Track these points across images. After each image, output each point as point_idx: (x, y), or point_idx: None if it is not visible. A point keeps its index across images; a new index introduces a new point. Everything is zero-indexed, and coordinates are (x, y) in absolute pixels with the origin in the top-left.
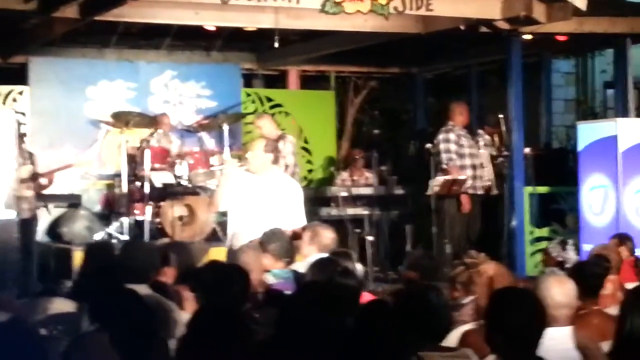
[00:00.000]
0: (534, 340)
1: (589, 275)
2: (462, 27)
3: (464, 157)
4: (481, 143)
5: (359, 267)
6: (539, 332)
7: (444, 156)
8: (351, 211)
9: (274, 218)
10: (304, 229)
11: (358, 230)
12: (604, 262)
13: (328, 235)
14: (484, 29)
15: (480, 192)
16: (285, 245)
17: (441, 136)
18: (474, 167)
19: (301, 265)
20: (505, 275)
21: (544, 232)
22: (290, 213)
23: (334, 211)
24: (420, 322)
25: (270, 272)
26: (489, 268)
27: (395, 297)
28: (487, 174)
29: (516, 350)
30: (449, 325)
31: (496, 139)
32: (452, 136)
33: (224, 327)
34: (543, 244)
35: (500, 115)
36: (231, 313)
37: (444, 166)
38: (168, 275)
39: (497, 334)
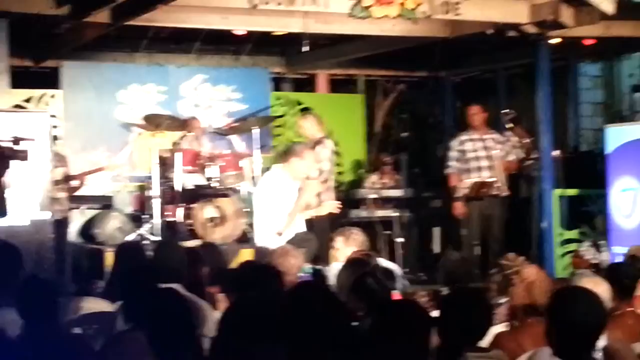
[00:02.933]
0: (593, 339)
1: (623, 277)
2: (489, 32)
3: (469, 161)
4: (490, 144)
5: (395, 267)
6: (599, 332)
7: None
8: (380, 213)
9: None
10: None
11: (387, 232)
12: (639, 263)
13: (360, 238)
14: (511, 33)
15: (495, 192)
16: (314, 250)
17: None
18: (479, 169)
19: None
20: (546, 280)
21: (573, 234)
22: None
23: (363, 213)
24: (464, 323)
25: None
26: (532, 272)
27: (439, 299)
28: (497, 175)
29: (575, 347)
30: (489, 327)
31: (527, 141)
32: (454, 143)
33: (255, 324)
34: (572, 246)
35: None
36: (262, 310)
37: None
38: (200, 275)
39: (558, 330)
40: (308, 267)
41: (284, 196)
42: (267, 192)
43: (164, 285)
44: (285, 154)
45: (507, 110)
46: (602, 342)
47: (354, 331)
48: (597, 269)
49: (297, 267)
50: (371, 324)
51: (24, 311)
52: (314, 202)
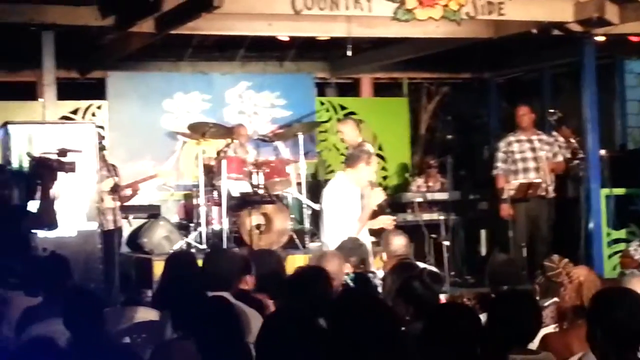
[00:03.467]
0: (636, 341)
1: None
2: (534, 31)
3: (517, 162)
4: (537, 145)
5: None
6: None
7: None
8: (427, 216)
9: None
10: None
11: (434, 236)
12: None
13: (397, 242)
14: (556, 32)
15: (542, 193)
16: (364, 255)
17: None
18: (526, 170)
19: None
20: (596, 281)
21: (622, 233)
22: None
23: (409, 217)
24: (512, 326)
25: (348, 276)
26: (581, 273)
27: (486, 301)
28: (543, 176)
29: (618, 349)
30: (537, 331)
31: (572, 141)
32: (501, 144)
33: (296, 331)
34: (621, 246)
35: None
36: (303, 317)
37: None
38: (249, 283)
39: (600, 333)
40: (351, 273)
41: (352, 202)
42: (336, 198)
43: (212, 294)
44: (351, 160)
45: (553, 111)
46: None
47: (402, 336)
48: None
49: (333, 272)
50: (423, 328)
51: (69, 321)
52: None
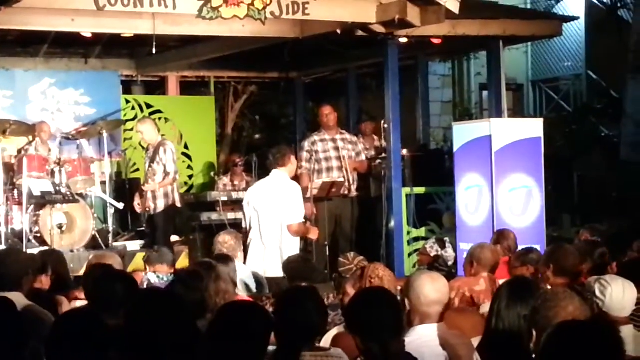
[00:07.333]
0: (390, 337)
1: None
2: (338, 31)
3: (320, 161)
4: (340, 145)
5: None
6: (395, 330)
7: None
8: (232, 215)
9: None
10: None
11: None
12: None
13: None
14: (360, 33)
15: (344, 192)
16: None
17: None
18: (330, 169)
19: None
20: (392, 278)
21: (421, 232)
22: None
23: (214, 216)
24: (296, 324)
25: (155, 273)
26: (379, 270)
27: (272, 299)
28: (346, 176)
29: (374, 348)
30: (324, 326)
31: (376, 140)
32: (305, 144)
33: (83, 331)
34: (420, 244)
35: (383, 122)
36: (91, 317)
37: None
38: (44, 282)
39: (358, 333)
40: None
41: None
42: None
43: (1, 294)
44: (281, 157)
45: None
46: None
47: (193, 330)
48: (440, 264)
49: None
50: (209, 325)
51: None
52: None
